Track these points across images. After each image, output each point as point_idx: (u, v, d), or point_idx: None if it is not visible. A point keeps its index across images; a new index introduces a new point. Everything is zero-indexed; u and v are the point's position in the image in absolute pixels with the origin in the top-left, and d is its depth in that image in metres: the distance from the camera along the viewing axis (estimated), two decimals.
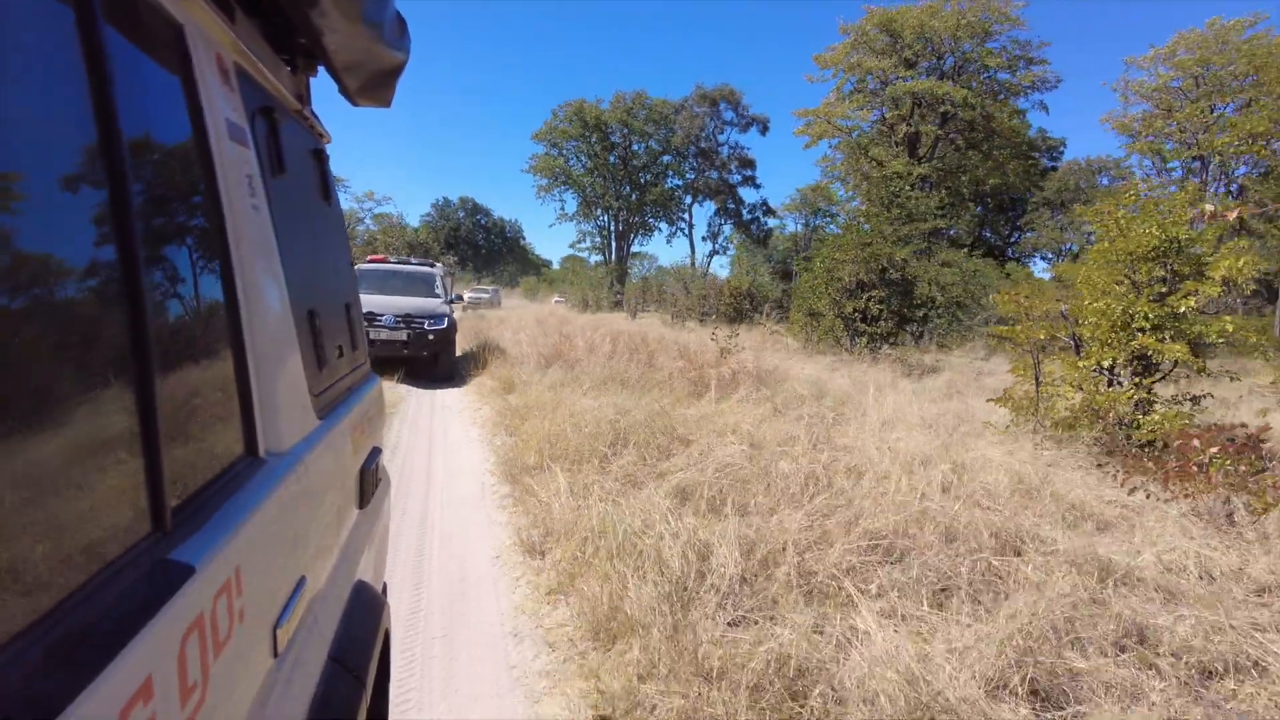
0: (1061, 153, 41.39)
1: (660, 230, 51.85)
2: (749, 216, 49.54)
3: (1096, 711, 2.20)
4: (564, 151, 48.43)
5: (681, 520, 3.46)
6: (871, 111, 27.28)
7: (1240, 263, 5.69)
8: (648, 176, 49.39)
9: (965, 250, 25.93)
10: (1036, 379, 6.40)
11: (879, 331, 14.96)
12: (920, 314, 17.97)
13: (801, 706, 2.13)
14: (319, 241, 1.63)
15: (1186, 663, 2.57)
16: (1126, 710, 2.25)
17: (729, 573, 2.96)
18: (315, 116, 1.83)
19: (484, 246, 69.22)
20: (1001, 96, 25.50)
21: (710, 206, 49.97)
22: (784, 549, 3.26)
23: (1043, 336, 6.44)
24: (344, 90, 1.82)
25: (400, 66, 1.75)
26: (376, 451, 1.86)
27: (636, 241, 51.28)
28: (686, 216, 51.00)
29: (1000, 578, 3.16)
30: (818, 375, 10.45)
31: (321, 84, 1.86)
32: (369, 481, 1.68)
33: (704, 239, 51.20)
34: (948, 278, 21.59)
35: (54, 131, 0.61)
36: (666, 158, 48.90)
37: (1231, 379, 6.57)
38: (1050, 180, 39.62)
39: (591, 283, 42.55)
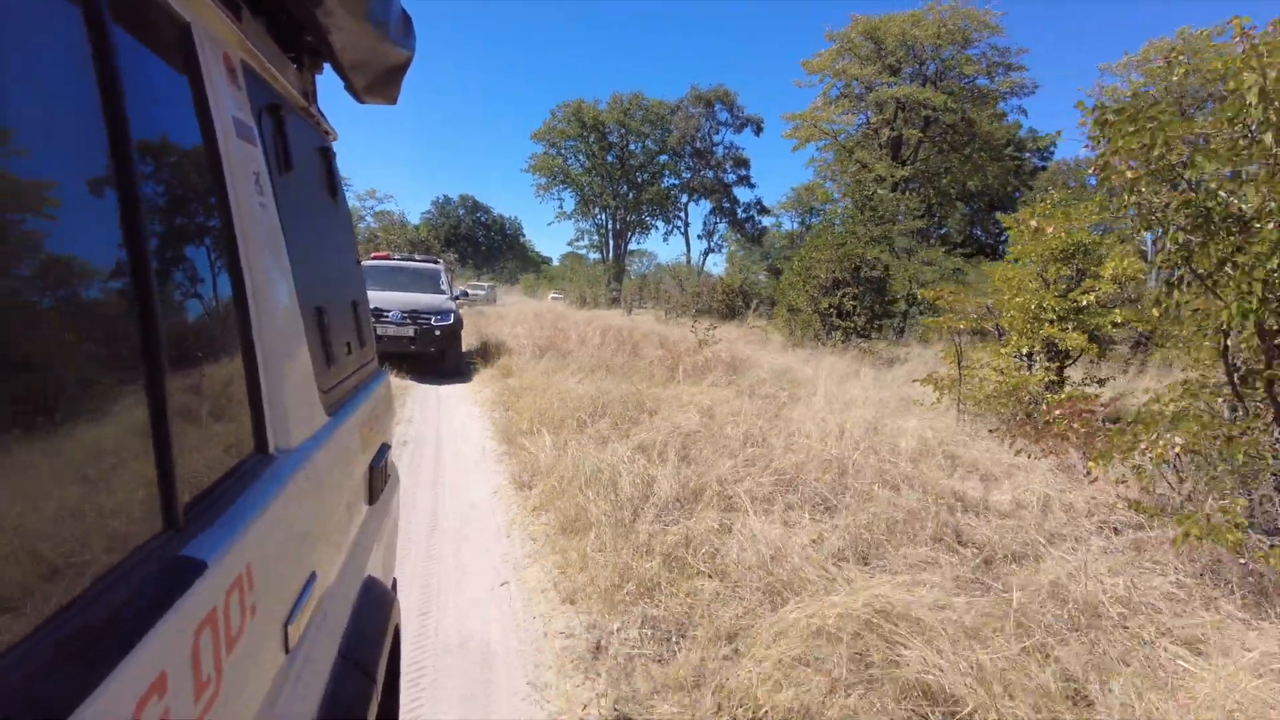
0: (1052, 152, 42.51)
1: (657, 228, 53.16)
2: (744, 215, 50.62)
3: (899, 569, 3.26)
4: (562, 151, 49.50)
5: (636, 463, 4.52)
6: (856, 116, 28.50)
7: (1124, 263, 6.74)
8: (644, 176, 50.44)
9: (947, 250, 26.97)
10: (959, 362, 7.45)
11: (852, 326, 16.02)
12: (900, 309, 18.95)
13: (693, 561, 3.19)
14: (326, 239, 1.64)
15: (980, 551, 3.62)
16: (921, 571, 3.30)
17: (665, 495, 4.02)
18: (321, 114, 1.83)
19: (484, 244, 70.03)
20: (981, 102, 26.62)
21: (706, 205, 51.30)
22: (712, 482, 4.32)
23: (962, 326, 7.50)
24: (350, 88, 1.83)
25: (406, 64, 1.77)
26: (385, 448, 1.89)
27: (634, 239, 52.67)
28: (682, 215, 52.27)
29: (872, 500, 4.22)
30: (788, 365, 11.50)
31: (327, 81, 1.84)
32: (378, 478, 1.70)
33: (700, 237, 52.53)
34: (928, 275, 22.67)
35: (63, 130, 0.62)
36: (663, 157, 50.08)
37: (1128, 363, 7.62)
38: (1039, 179, 40.69)
39: (589, 280, 43.54)
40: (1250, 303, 2.99)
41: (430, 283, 10.73)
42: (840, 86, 27.82)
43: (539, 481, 4.62)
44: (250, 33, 1.19)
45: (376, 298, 9.16)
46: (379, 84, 1.82)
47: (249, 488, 0.91)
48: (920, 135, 26.28)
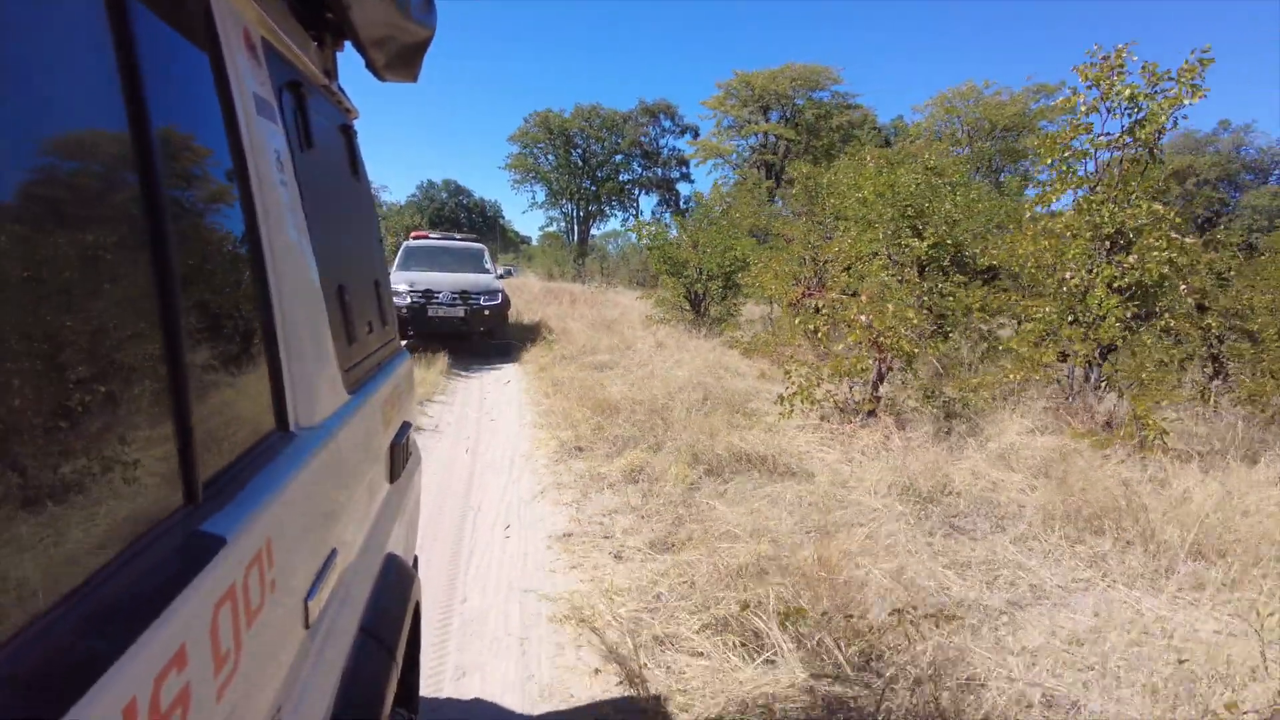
0: None
1: (615, 216, 61.24)
2: (685, 206, 58.75)
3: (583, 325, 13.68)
4: (534, 151, 56.29)
5: (530, 315, 14.77)
6: (737, 142, 38.73)
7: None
8: (603, 172, 57.25)
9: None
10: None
11: None
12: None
13: (541, 324, 13.64)
14: (348, 217, 1.60)
15: (612, 330, 14.10)
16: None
17: (532, 319, 14.30)
18: (343, 91, 1.76)
19: (466, 225, 75.99)
20: (821, 133, 36.75)
21: (654, 197, 58.62)
22: (548, 319, 13.67)
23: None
24: (371, 65, 1.76)
25: (427, 40, 1.71)
26: (407, 426, 1.86)
27: (595, 225, 62.05)
28: (636, 205, 58.89)
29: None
30: (634, 306, 22.03)
31: (347, 60, 1.79)
32: (399, 456, 1.67)
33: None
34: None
35: (84, 108, 0.60)
36: (618, 157, 57.13)
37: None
38: None
39: (558, 260, 52.74)
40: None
41: (476, 263, 10.68)
42: (730, 120, 38.23)
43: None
44: (271, 9, 1.15)
45: (427, 279, 9.29)
46: (400, 61, 1.76)
47: (269, 464, 0.89)
48: (777, 159, 36.64)
